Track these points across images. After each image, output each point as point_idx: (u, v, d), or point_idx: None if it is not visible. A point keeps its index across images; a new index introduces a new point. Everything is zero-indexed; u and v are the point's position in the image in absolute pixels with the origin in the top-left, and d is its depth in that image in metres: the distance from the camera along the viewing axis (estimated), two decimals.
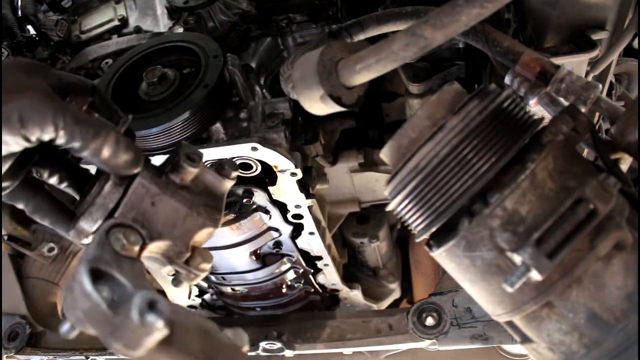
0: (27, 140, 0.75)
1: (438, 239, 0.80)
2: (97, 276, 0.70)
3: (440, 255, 0.80)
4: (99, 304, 0.66)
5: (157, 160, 1.29)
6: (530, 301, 0.72)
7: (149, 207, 0.87)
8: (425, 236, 0.82)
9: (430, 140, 0.77)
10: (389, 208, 0.84)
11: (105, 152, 0.80)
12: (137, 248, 0.81)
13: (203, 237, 0.96)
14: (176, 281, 0.94)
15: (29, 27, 1.82)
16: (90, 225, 0.85)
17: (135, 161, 0.84)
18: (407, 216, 0.81)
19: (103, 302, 0.65)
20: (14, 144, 0.75)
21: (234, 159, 1.31)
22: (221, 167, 0.95)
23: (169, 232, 0.88)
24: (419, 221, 0.79)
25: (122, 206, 0.85)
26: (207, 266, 0.94)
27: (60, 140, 0.76)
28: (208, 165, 0.99)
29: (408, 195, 0.79)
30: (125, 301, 0.65)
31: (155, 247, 0.87)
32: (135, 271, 0.76)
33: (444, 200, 0.76)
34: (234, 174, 0.96)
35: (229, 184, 0.98)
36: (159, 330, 0.61)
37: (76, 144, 0.78)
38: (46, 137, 0.76)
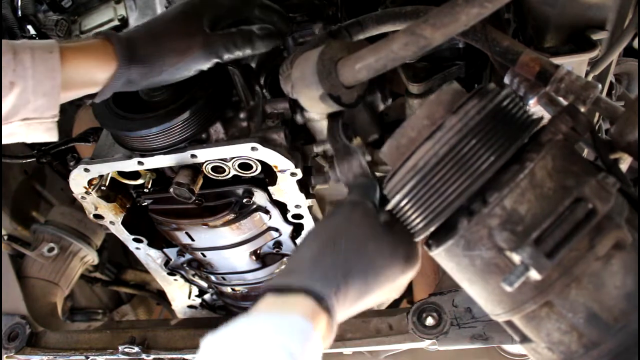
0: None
1: (437, 238, 0.80)
2: None
3: (440, 254, 0.80)
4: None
5: (157, 160, 1.30)
6: (530, 300, 0.72)
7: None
8: (424, 235, 0.82)
9: (428, 140, 0.77)
10: (388, 207, 0.83)
11: None
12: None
13: None
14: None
15: (29, 27, 1.82)
16: None
17: None
18: (405, 215, 0.81)
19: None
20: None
21: (234, 159, 1.31)
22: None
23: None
24: (417, 220, 0.79)
25: None
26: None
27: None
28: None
29: (407, 195, 0.79)
30: None
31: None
32: None
33: (443, 200, 0.76)
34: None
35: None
36: None
37: None
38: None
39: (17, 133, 1.01)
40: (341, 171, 1.14)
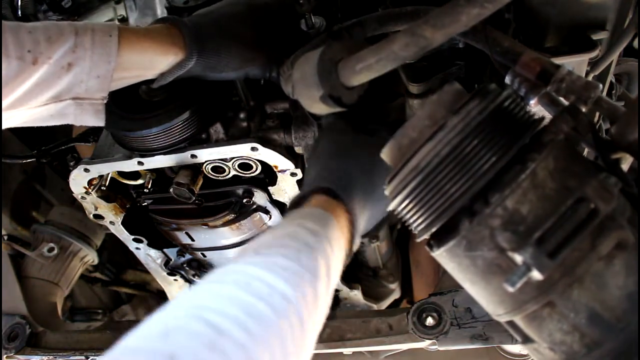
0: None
1: (439, 238, 0.80)
2: None
3: (441, 255, 0.80)
4: None
5: (157, 160, 1.30)
6: (532, 301, 0.72)
7: None
8: (426, 236, 0.82)
9: (430, 140, 0.77)
10: (390, 208, 0.83)
11: None
12: None
13: None
14: None
15: None
16: None
17: None
18: (407, 216, 0.81)
19: None
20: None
21: (234, 159, 1.31)
22: None
23: None
24: (419, 221, 0.79)
25: None
26: None
27: None
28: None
29: (408, 195, 0.78)
30: None
31: None
32: None
33: (445, 200, 0.75)
34: None
35: None
36: None
37: None
38: None
39: (68, 114, 1.01)
40: (295, 137, 1.29)
